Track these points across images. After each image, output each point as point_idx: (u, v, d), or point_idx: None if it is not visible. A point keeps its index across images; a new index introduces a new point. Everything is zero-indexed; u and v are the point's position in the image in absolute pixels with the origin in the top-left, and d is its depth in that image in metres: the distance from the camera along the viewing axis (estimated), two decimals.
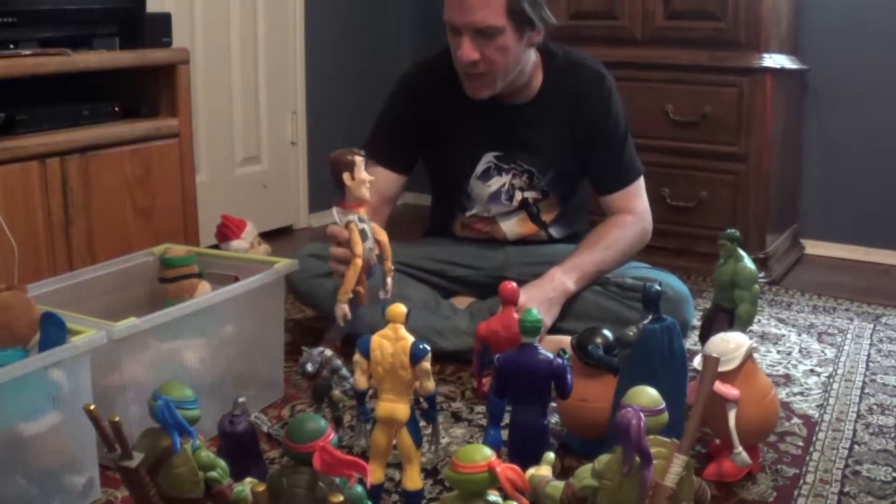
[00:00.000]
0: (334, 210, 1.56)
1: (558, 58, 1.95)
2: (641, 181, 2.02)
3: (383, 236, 1.57)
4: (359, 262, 1.49)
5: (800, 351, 1.99)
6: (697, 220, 2.63)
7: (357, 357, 1.26)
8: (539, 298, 1.76)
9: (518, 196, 2.00)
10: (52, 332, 1.28)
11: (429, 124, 1.97)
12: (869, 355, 1.97)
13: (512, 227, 2.05)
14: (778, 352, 1.99)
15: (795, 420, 1.63)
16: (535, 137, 1.95)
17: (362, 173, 1.51)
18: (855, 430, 1.59)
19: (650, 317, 1.39)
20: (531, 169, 1.97)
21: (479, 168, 1.99)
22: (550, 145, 1.96)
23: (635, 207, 1.99)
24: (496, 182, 1.99)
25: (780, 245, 2.73)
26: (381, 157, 1.97)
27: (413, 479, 1.26)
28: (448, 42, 1.86)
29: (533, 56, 1.90)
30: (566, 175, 2.01)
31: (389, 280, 1.58)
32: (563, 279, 1.83)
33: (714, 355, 1.10)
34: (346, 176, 1.51)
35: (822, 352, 1.99)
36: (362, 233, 1.52)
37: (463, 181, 2.01)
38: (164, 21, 2.24)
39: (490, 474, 1.02)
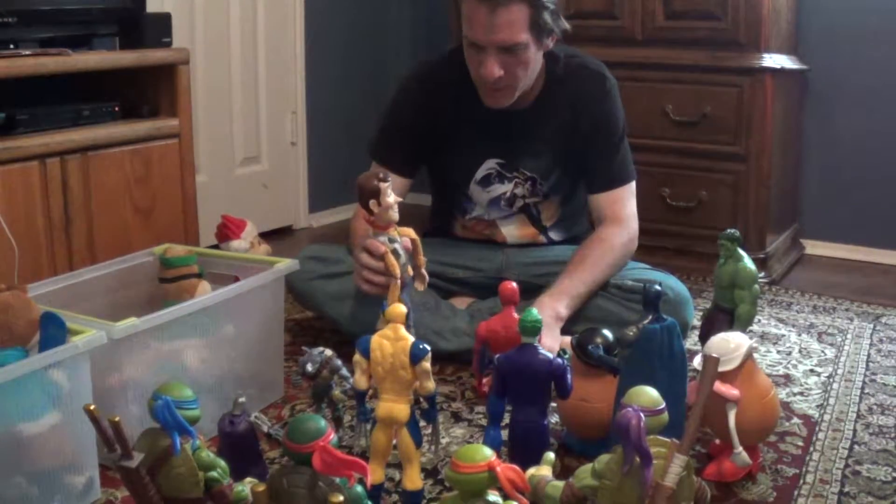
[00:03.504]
0: (371, 230, 1.62)
1: (560, 60, 1.95)
2: (632, 187, 1.98)
3: (413, 234, 1.62)
4: (398, 282, 1.56)
5: (800, 351, 1.99)
6: (697, 220, 2.63)
7: (357, 357, 1.26)
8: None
9: (519, 203, 2.00)
10: (52, 332, 1.28)
11: (432, 128, 1.97)
12: (869, 355, 1.97)
13: (512, 230, 2.05)
14: (778, 352, 1.99)
15: (795, 420, 1.63)
16: (537, 143, 1.95)
17: (388, 198, 1.55)
18: (855, 430, 1.59)
19: (650, 317, 1.39)
20: (534, 176, 1.97)
21: (480, 173, 1.98)
22: (552, 149, 1.96)
23: (621, 213, 1.95)
24: (497, 189, 1.99)
25: (780, 245, 2.73)
26: (386, 161, 1.97)
27: (413, 479, 1.26)
28: (466, 57, 1.84)
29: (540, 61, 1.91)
30: (568, 178, 2.01)
31: (424, 271, 1.63)
32: (554, 306, 1.77)
33: (714, 355, 1.10)
34: (372, 203, 1.54)
35: (822, 352, 1.99)
36: (395, 253, 1.57)
37: (463, 185, 2.01)
38: (164, 21, 2.24)
39: (490, 474, 1.02)
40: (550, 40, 1.83)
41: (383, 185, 1.54)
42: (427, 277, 1.64)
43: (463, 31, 1.80)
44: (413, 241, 1.60)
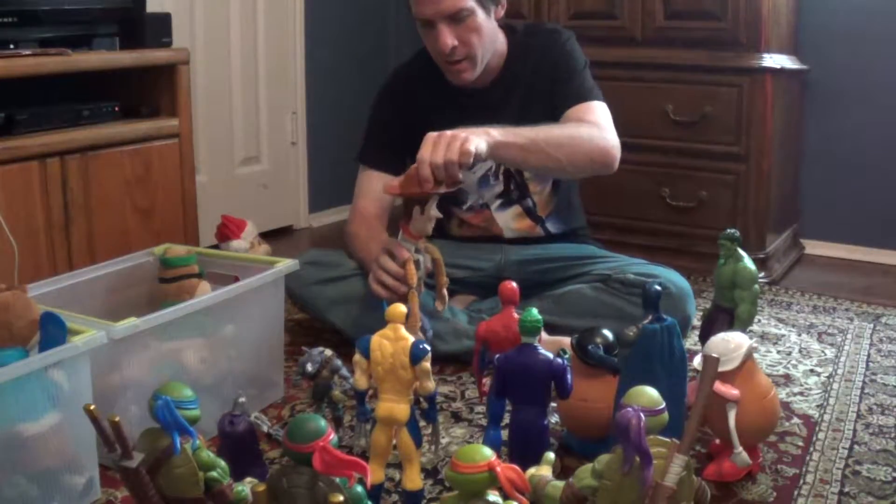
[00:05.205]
0: (400, 234, 1.64)
1: (518, 32, 2.00)
2: (601, 106, 1.92)
3: (437, 253, 1.64)
4: (415, 293, 1.59)
5: (800, 351, 1.99)
6: (697, 220, 2.63)
7: (357, 357, 1.26)
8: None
9: (502, 168, 2.00)
10: (52, 332, 1.28)
11: (413, 125, 1.98)
12: (869, 355, 1.97)
13: (508, 221, 2.05)
14: (778, 352, 1.99)
15: (795, 420, 1.63)
16: (508, 111, 1.96)
17: (432, 210, 1.56)
18: (855, 430, 1.59)
19: (650, 316, 1.39)
20: None
21: None
22: (523, 110, 1.94)
23: (595, 120, 1.87)
24: (482, 167, 1.99)
25: (780, 245, 2.73)
26: (375, 164, 1.98)
27: (413, 479, 1.26)
28: (423, 40, 1.90)
29: (500, 36, 1.95)
30: None
31: (445, 291, 1.66)
32: (483, 127, 1.68)
33: (714, 355, 1.10)
34: (416, 210, 1.54)
35: (822, 352, 1.99)
36: (416, 263, 1.59)
37: None
38: (164, 21, 2.24)
39: (490, 474, 1.02)
40: (500, 7, 1.89)
41: (433, 197, 1.55)
42: (447, 298, 1.65)
43: (413, 15, 1.85)
44: (436, 260, 1.62)
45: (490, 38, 1.89)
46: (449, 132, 1.57)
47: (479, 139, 1.60)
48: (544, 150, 1.74)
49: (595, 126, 1.85)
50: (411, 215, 1.59)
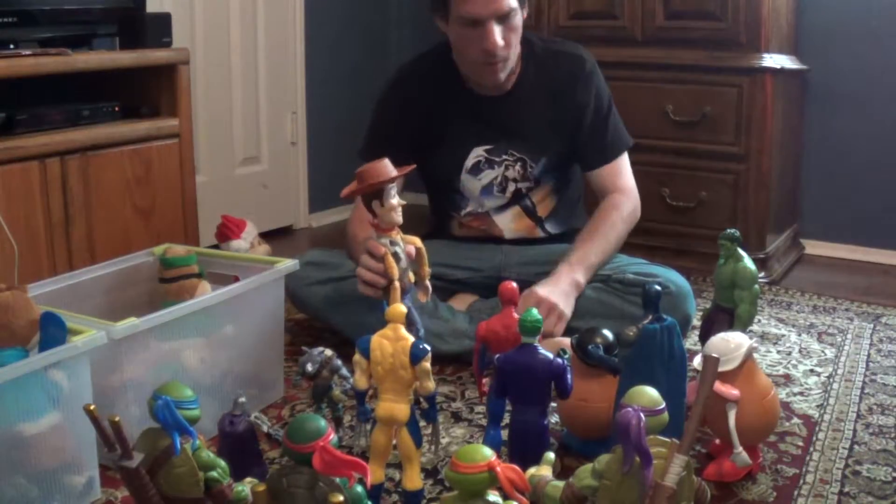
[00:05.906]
0: (373, 232, 1.62)
1: (536, 45, 1.99)
2: (626, 156, 2.03)
3: (418, 242, 1.62)
4: (397, 284, 1.55)
5: (800, 351, 1.99)
6: (697, 220, 2.64)
7: (357, 357, 1.26)
8: (557, 292, 1.77)
9: (511, 187, 2.01)
10: (52, 332, 1.28)
11: (419, 126, 1.99)
12: (869, 355, 1.97)
13: (507, 223, 2.05)
14: (778, 352, 1.99)
15: (795, 420, 1.63)
16: (522, 124, 1.97)
17: (391, 200, 1.54)
18: (855, 430, 1.59)
19: (650, 316, 1.39)
20: (523, 157, 1.98)
21: (469, 162, 2.00)
22: (538, 130, 1.98)
23: (623, 184, 2.01)
24: (487, 175, 2.00)
25: (780, 245, 2.73)
26: None
27: (413, 479, 1.26)
28: (457, 40, 1.88)
29: None
30: (557, 162, 2.01)
31: (427, 283, 1.63)
32: (571, 274, 1.83)
33: (714, 355, 1.10)
34: (375, 205, 1.53)
35: (822, 352, 1.99)
36: (395, 255, 1.57)
37: (454, 178, 2.02)
38: (164, 21, 2.24)
39: (490, 474, 1.02)
40: (526, 10, 1.90)
41: (387, 187, 1.54)
42: (430, 288, 1.64)
43: (455, 15, 1.83)
44: (418, 249, 1.61)
45: (519, 38, 1.90)
46: (551, 301, 1.73)
47: (570, 308, 1.78)
48: (604, 261, 1.92)
49: (628, 196, 1.99)
50: (374, 212, 1.58)
